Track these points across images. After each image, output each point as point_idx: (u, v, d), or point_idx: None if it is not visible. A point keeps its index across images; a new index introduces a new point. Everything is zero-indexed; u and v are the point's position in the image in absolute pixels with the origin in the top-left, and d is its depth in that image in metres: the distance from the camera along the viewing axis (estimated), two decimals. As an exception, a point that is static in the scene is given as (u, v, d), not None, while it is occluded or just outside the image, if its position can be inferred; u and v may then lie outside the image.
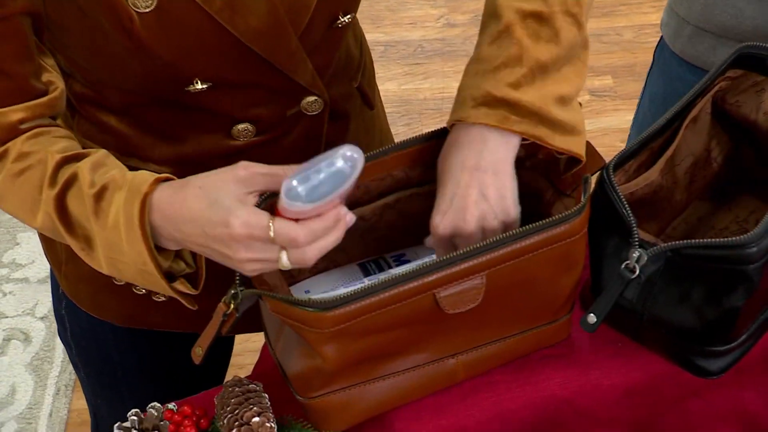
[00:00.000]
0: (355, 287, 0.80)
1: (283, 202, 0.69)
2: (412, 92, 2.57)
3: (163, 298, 0.91)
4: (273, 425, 0.77)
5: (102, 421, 1.16)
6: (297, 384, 0.81)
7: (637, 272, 0.77)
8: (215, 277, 0.78)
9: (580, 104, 0.82)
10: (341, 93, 0.94)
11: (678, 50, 1.18)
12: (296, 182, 0.68)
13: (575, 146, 0.80)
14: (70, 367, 1.90)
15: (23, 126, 0.78)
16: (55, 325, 1.96)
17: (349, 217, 0.72)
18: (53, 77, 0.80)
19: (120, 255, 0.75)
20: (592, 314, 0.78)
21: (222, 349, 1.13)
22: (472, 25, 2.76)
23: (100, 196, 0.74)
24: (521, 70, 0.78)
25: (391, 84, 2.56)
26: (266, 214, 0.70)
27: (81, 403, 1.85)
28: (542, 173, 0.85)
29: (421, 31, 2.76)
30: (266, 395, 0.80)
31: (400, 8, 2.82)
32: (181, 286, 0.76)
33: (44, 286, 2.02)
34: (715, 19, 1.10)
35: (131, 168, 0.90)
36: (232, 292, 0.78)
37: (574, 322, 0.87)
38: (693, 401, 0.86)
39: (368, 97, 1.01)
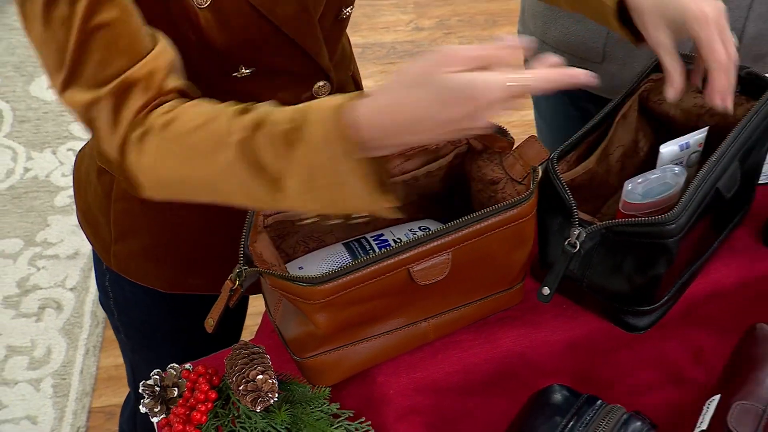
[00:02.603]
0: (342, 263, 0.81)
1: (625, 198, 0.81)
2: (386, 88, 2.57)
3: (337, 221, 0.76)
4: (274, 381, 0.78)
5: (140, 375, 1.18)
6: (293, 346, 0.82)
7: (578, 247, 0.79)
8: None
9: None
10: (341, 79, 0.96)
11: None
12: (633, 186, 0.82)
13: None
14: (98, 329, 1.90)
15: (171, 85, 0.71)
16: (83, 295, 1.96)
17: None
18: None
19: (329, 172, 0.64)
20: (545, 287, 0.79)
21: (238, 314, 1.16)
22: (437, 29, 2.75)
23: (299, 125, 0.65)
24: None
25: (368, 81, 2.53)
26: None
27: (108, 360, 1.86)
28: (497, 164, 0.87)
29: (393, 35, 2.74)
30: (268, 356, 0.81)
31: (374, 14, 2.80)
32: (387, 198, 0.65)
33: (72, 261, 2.02)
34: (551, 33, 1.13)
35: None
36: (237, 270, 0.79)
37: (525, 288, 0.89)
38: (624, 352, 0.88)
39: (360, 85, 1.03)
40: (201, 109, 0.71)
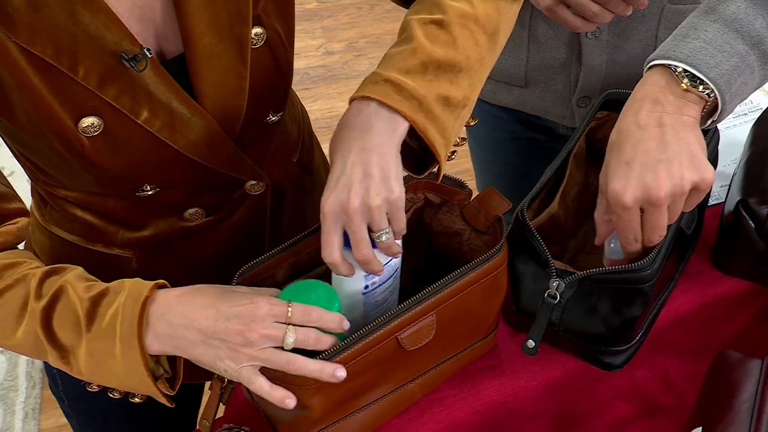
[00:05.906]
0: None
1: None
2: (304, 114, 2.50)
3: (138, 400, 0.74)
4: (266, 468, 0.72)
5: None
6: (285, 430, 0.76)
7: (558, 298, 0.76)
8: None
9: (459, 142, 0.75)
10: (281, 170, 0.88)
11: None
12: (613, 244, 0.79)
13: (442, 148, 0.69)
14: (35, 391, 1.75)
15: None
16: (14, 356, 1.80)
17: (345, 324, 0.69)
18: (22, 205, 0.72)
19: (109, 358, 0.67)
20: (530, 340, 0.76)
21: (194, 392, 1.07)
22: (347, 52, 2.70)
23: (97, 301, 0.67)
24: (413, 61, 0.68)
25: (285, 108, 2.47)
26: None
27: (49, 422, 1.71)
28: (458, 215, 0.83)
29: (305, 60, 2.68)
30: (255, 439, 0.75)
31: (284, 41, 2.72)
32: (162, 386, 0.69)
33: (0, 321, 1.85)
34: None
35: (97, 253, 0.82)
36: None
37: (498, 333, 0.86)
38: (598, 386, 0.86)
39: (306, 166, 0.95)
40: (8, 270, 0.70)
